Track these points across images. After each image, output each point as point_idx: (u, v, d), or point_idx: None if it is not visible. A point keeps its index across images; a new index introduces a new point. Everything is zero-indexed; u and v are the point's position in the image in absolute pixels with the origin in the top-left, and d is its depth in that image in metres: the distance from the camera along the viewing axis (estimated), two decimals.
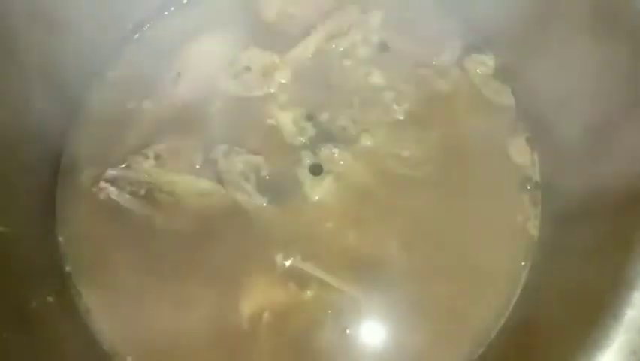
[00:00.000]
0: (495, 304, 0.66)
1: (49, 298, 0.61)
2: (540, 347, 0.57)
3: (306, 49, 0.75)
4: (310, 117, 0.72)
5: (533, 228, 0.68)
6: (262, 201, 0.68)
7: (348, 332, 0.65)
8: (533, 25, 0.68)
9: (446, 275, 0.66)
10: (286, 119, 0.71)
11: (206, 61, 0.75)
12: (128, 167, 0.69)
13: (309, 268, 0.66)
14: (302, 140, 0.71)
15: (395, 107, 0.72)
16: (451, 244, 0.67)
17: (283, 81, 0.73)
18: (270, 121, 0.72)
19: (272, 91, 0.73)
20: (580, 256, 0.61)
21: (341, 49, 0.75)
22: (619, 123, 0.59)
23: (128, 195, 0.69)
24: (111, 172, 0.69)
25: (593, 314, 0.55)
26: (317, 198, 0.68)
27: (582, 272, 0.60)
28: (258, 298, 0.66)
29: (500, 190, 0.70)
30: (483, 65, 0.74)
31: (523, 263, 0.67)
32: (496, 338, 0.64)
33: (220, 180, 0.69)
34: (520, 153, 0.70)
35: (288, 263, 0.66)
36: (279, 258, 0.66)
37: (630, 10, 0.56)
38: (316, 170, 0.69)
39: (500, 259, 0.67)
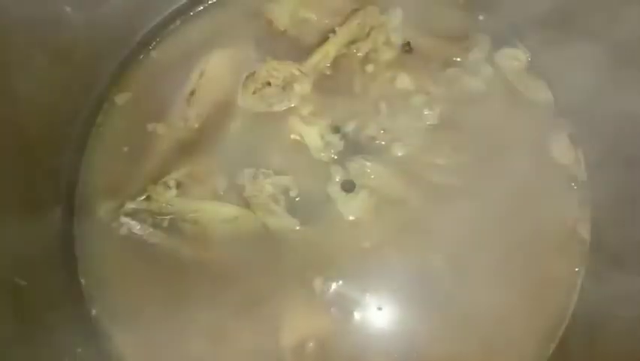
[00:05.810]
0: (551, 315, 0.62)
1: (79, 350, 0.57)
2: None
3: (325, 56, 0.70)
4: (336, 129, 0.67)
5: (584, 230, 0.64)
6: (294, 224, 0.64)
7: (396, 356, 0.61)
8: (568, 10, 0.63)
9: (496, 287, 0.62)
10: (311, 134, 0.67)
11: (220, 77, 0.70)
12: (148, 198, 0.65)
13: (350, 291, 0.63)
14: (330, 154, 0.66)
15: (426, 111, 0.67)
16: (498, 254, 0.63)
17: (304, 93, 0.69)
18: (295, 137, 0.67)
19: (293, 104, 0.68)
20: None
21: (362, 53, 0.70)
22: None
23: (150, 229, 0.65)
24: (130, 205, 0.65)
25: None
26: (352, 216, 0.64)
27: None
28: (299, 328, 0.62)
29: (545, 192, 0.66)
30: (515, 59, 0.70)
31: (577, 269, 0.63)
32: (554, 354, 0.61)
33: (247, 204, 0.65)
34: (564, 150, 0.66)
35: (327, 288, 0.63)
36: (317, 283, 0.63)
37: None
38: (348, 186, 0.65)
39: (552, 265, 0.64)
